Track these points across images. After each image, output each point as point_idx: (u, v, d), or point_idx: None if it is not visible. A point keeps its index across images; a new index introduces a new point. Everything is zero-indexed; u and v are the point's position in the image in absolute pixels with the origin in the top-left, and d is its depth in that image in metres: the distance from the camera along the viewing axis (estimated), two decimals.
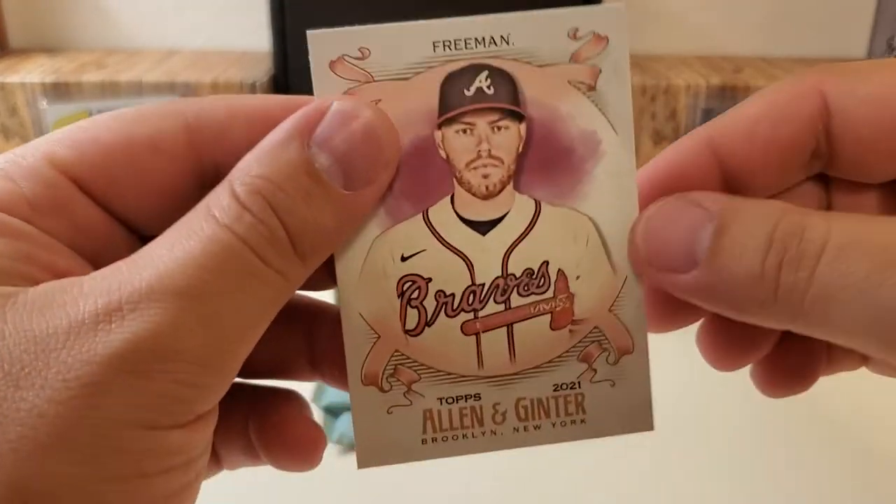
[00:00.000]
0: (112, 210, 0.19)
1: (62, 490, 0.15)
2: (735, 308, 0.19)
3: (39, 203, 0.18)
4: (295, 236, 0.18)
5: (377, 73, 0.21)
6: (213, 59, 0.78)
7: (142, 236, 0.20)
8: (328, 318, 0.22)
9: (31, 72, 0.72)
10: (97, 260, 0.19)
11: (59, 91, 0.70)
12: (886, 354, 0.17)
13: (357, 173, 0.18)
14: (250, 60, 0.77)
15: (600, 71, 0.21)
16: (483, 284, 0.21)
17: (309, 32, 0.21)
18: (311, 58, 0.21)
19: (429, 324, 0.21)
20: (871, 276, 0.17)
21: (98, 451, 0.15)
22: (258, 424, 0.22)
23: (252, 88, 0.69)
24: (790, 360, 0.23)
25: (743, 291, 0.18)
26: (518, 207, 0.21)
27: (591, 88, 0.21)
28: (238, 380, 0.21)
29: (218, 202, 0.17)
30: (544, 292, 0.21)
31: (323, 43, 0.21)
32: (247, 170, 0.18)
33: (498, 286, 0.21)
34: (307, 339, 0.23)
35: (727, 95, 0.69)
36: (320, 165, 0.18)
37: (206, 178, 0.19)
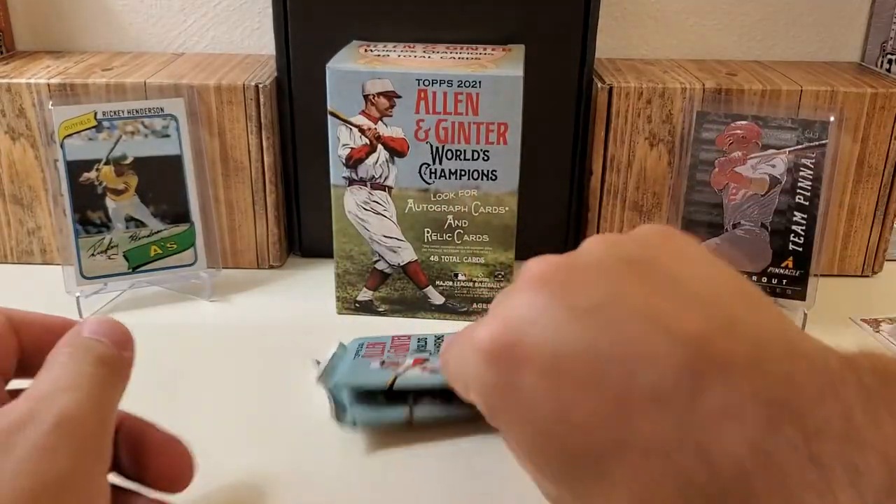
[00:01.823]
0: None
1: None
2: None
3: None
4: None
5: None
6: (218, 61, 0.79)
7: None
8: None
9: (38, 73, 0.73)
10: None
11: (66, 93, 0.71)
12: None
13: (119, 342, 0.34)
14: (254, 63, 0.78)
15: None
16: None
17: None
18: None
19: None
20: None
21: None
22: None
23: (256, 91, 0.71)
24: None
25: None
26: None
27: None
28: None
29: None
30: None
31: None
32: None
33: None
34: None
35: (722, 98, 0.70)
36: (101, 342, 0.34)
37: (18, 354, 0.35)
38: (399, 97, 0.61)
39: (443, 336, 0.57)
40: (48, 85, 0.71)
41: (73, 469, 0.27)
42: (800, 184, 0.64)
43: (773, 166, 0.65)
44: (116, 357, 0.33)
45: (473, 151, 0.62)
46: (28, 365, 0.35)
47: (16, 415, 0.28)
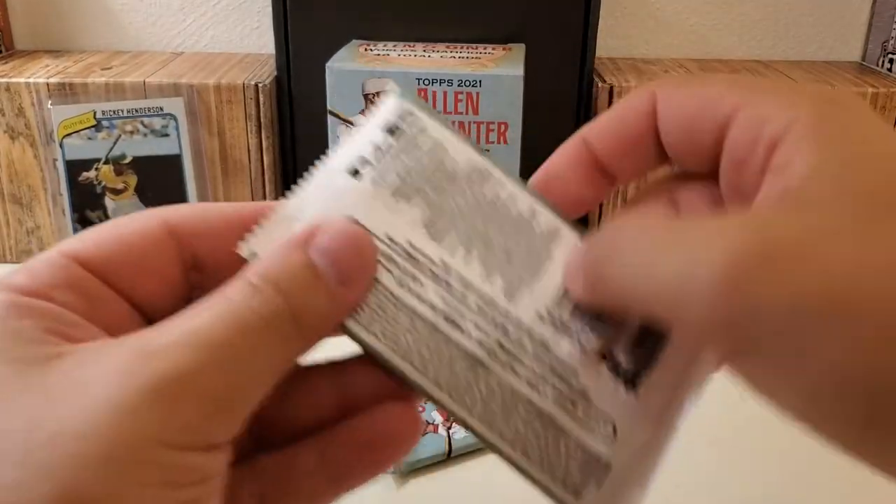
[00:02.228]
0: (116, 288, 0.23)
1: (104, 495, 0.18)
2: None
3: (56, 283, 0.22)
4: (297, 316, 0.22)
5: None
6: (218, 60, 0.79)
7: (146, 317, 0.25)
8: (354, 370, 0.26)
9: (37, 73, 0.73)
10: (111, 331, 0.22)
11: (65, 92, 0.70)
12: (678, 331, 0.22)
13: (345, 274, 0.23)
14: (254, 62, 0.78)
15: None
16: None
17: None
18: None
19: None
20: (649, 258, 0.21)
21: (130, 463, 0.19)
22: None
23: (255, 90, 0.70)
24: None
25: (593, 290, 0.24)
26: None
27: None
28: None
29: (233, 288, 0.22)
30: None
31: None
32: (259, 267, 0.22)
33: None
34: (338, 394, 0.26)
35: None
36: (318, 266, 0.23)
37: (187, 265, 0.24)
38: None
39: None
40: (47, 84, 0.71)
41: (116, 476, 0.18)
42: None
43: None
44: (324, 308, 0.22)
45: None
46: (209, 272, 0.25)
47: (113, 362, 0.19)
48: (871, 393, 0.18)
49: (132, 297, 0.24)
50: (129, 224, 0.24)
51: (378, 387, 0.24)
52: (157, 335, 0.20)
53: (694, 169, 0.26)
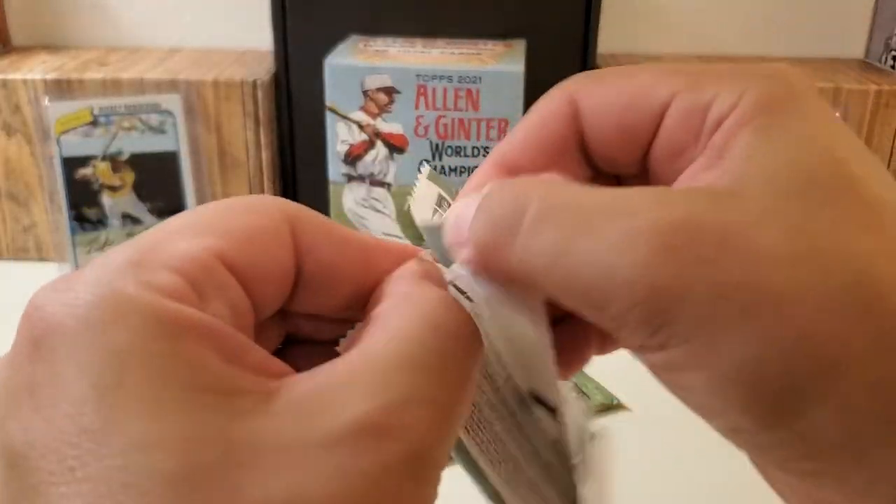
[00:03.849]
0: (248, 289, 0.20)
1: None
2: (487, 273, 0.21)
3: (209, 290, 0.18)
4: None
5: None
6: (215, 57, 0.78)
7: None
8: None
9: (34, 69, 0.72)
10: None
11: (62, 88, 0.70)
12: (591, 317, 0.19)
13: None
14: (252, 58, 0.77)
15: None
16: None
17: None
18: None
19: None
20: (559, 244, 0.19)
21: None
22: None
23: (253, 86, 0.70)
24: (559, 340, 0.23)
25: (482, 257, 0.20)
26: None
27: None
28: None
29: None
30: None
31: None
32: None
33: None
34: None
35: None
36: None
37: (295, 271, 0.21)
38: (398, 93, 0.60)
39: None
40: (44, 81, 0.70)
41: None
42: None
43: None
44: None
45: (474, 148, 0.61)
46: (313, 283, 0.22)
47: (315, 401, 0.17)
48: (778, 392, 0.18)
49: (255, 302, 0.20)
50: (258, 219, 0.20)
51: None
52: (370, 388, 0.17)
53: (627, 172, 0.23)
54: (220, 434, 0.16)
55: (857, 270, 0.18)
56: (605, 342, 0.25)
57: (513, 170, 0.23)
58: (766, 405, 0.18)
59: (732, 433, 0.19)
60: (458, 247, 0.21)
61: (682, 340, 0.18)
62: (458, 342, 0.19)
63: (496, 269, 0.20)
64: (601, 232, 0.18)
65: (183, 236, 0.19)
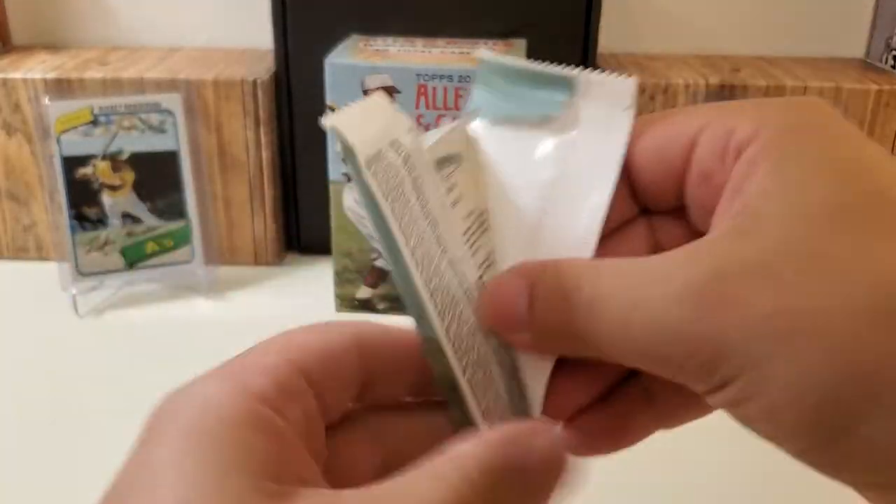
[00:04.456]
0: (321, 400, 0.23)
1: None
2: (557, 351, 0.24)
3: (290, 399, 0.21)
4: None
5: None
6: (216, 56, 0.78)
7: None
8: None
9: (34, 68, 0.72)
10: (307, 442, 0.22)
11: (62, 88, 0.70)
12: (663, 374, 0.21)
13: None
14: (252, 58, 0.77)
15: None
16: None
17: None
18: None
19: None
20: (615, 322, 0.21)
21: None
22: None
23: (254, 85, 0.70)
24: (607, 412, 0.26)
25: (545, 340, 0.23)
26: None
27: None
28: None
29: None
30: None
31: None
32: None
33: None
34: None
35: (726, 95, 0.69)
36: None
37: (362, 383, 0.24)
38: (398, 92, 0.60)
39: None
40: (44, 80, 0.70)
41: None
42: None
43: None
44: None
45: None
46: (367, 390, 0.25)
47: None
48: (824, 413, 0.19)
49: (324, 412, 0.23)
50: (331, 337, 0.24)
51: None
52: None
53: (666, 204, 0.25)
54: None
55: (885, 283, 0.19)
56: (663, 413, 0.27)
57: None
58: (816, 427, 0.19)
59: (805, 458, 0.21)
60: (508, 332, 0.24)
61: (735, 378, 0.20)
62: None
63: (559, 349, 0.23)
64: (646, 303, 0.21)
65: (281, 351, 0.22)
